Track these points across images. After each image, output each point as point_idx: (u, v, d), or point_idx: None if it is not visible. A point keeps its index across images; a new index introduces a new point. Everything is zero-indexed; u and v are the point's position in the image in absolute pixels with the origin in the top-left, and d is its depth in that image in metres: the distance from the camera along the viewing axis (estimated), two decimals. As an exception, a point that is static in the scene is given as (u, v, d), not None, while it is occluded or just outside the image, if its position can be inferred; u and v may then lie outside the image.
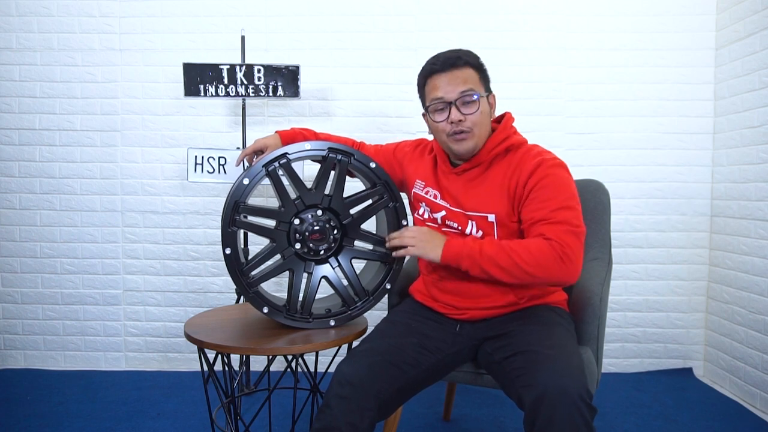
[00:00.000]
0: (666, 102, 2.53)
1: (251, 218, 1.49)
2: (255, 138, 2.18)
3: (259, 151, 1.62)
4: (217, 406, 2.06)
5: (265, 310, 1.49)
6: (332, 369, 2.45)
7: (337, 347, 1.55)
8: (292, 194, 1.51)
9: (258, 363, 2.57)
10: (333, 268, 1.55)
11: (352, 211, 1.54)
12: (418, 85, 1.49)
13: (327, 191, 1.52)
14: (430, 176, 1.53)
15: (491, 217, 1.40)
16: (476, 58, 1.44)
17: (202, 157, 2.25)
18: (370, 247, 1.60)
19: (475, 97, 1.39)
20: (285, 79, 2.27)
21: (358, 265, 1.60)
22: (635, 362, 2.60)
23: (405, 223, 1.56)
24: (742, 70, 2.32)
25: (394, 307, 1.66)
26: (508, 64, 2.54)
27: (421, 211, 1.55)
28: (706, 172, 2.54)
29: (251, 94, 2.28)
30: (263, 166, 1.47)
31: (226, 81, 2.27)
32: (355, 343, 1.48)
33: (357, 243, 1.56)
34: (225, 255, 1.45)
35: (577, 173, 2.46)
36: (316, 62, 2.55)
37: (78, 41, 2.56)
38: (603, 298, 1.49)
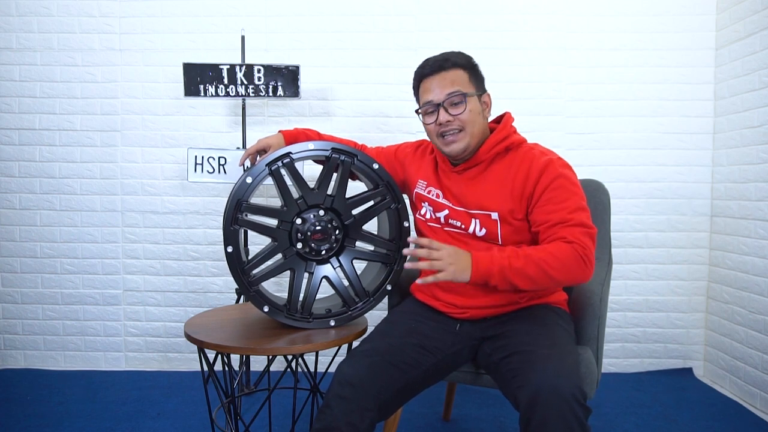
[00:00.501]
0: (666, 102, 2.53)
1: (253, 217, 1.49)
2: (255, 138, 2.19)
3: (262, 151, 1.62)
4: (217, 406, 2.06)
5: (266, 309, 1.49)
6: (332, 369, 2.45)
7: (337, 347, 1.55)
8: (295, 194, 1.51)
9: (258, 363, 2.57)
10: (334, 269, 1.55)
11: (355, 211, 1.54)
12: (413, 88, 1.52)
13: (329, 191, 1.52)
14: (432, 176, 1.53)
15: (494, 215, 1.40)
16: (467, 58, 1.46)
17: (202, 157, 2.25)
18: (371, 247, 1.61)
19: (462, 96, 1.40)
20: (285, 79, 2.27)
21: (359, 265, 1.60)
22: (635, 362, 2.60)
23: (407, 224, 1.56)
24: (742, 70, 2.32)
25: (394, 306, 1.66)
26: (508, 64, 2.54)
27: (423, 211, 1.55)
28: (706, 172, 2.54)
29: (251, 94, 2.28)
30: (266, 165, 1.47)
31: (226, 81, 2.27)
32: (355, 344, 1.48)
33: (358, 244, 1.56)
34: (227, 253, 1.45)
35: (577, 173, 2.46)
36: (316, 62, 2.55)
37: (78, 41, 2.56)
38: (603, 298, 1.49)
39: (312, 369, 2.48)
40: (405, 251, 1.33)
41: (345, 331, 1.52)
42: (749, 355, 2.26)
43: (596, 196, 1.71)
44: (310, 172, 2.05)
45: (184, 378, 2.51)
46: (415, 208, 1.59)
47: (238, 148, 2.32)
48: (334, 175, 1.54)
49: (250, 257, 1.53)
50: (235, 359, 2.38)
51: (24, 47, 2.55)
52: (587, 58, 2.53)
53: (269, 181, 1.50)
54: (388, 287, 1.58)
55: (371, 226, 1.63)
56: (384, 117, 2.57)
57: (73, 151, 2.58)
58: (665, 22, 2.51)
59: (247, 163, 1.75)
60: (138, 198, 2.59)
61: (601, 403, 2.20)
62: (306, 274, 1.53)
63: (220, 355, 1.54)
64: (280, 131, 1.66)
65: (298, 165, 1.62)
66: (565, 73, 2.54)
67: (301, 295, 1.53)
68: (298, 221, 1.49)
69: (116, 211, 2.60)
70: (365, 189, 1.59)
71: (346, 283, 1.57)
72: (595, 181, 1.76)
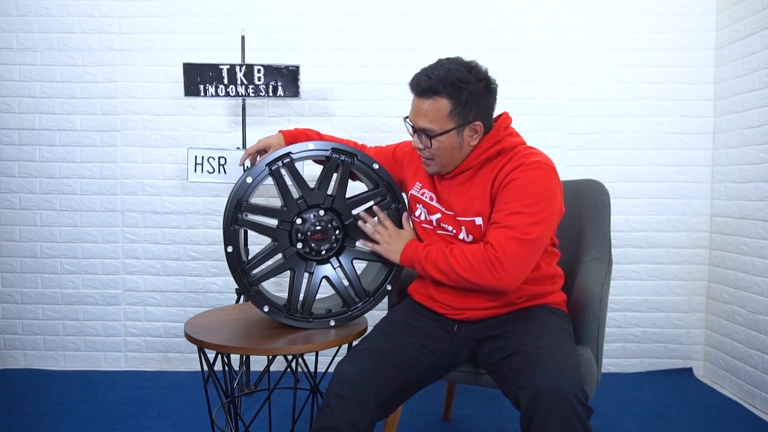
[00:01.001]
0: (666, 102, 2.53)
1: (253, 217, 1.49)
2: (255, 138, 2.18)
3: (262, 151, 1.62)
4: (217, 406, 2.06)
5: (266, 308, 1.49)
6: (332, 369, 2.44)
7: (337, 347, 1.55)
8: (295, 194, 1.51)
9: (258, 363, 2.57)
10: (334, 269, 1.55)
11: (355, 211, 1.54)
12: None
13: (329, 191, 1.52)
14: (427, 178, 1.53)
15: (478, 221, 1.40)
16: (458, 86, 1.32)
17: (202, 157, 2.25)
18: (371, 247, 1.61)
19: (429, 138, 1.37)
20: (285, 79, 2.27)
21: (359, 265, 1.60)
22: (635, 362, 2.60)
23: (405, 213, 1.57)
24: (742, 70, 2.32)
25: (393, 306, 1.66)
26: (508, 64, 2.54)
27: (417, 213, 1.54)
28: (706, 172, 2.54)
29: (251, 94, 2.28)
30: (266, 165, 1.47)
31: (226, 81, 2.27)
32: (355, 343, 1.48)
33: (358, 244, 1.56)
34: (227, 253, 1.45)
35: (577, 173, 2.49)
36: (316, 62, 2.55)
37: (78, 41, 2.56)
38: (603, 298, 1.49)
39: (312, 369, 2.48)
40: (359, 223, 1.53)
41: (345, 331, 1.52)
42: (749, 355, 2.26)
43: (596, 196, 1.70)
44: (310, 172, 2.05)
45: (184, 378, 2.51)
46: (411, 209, 1.59)
47: (238, 148, 2.32)
48: (334, 175, 1.54)
49: (250, 257, 1.53)
50: (235, 359, 2.38)
51: (24, 47, 2.55)
52: (587, 58, 2.53)
53: (269, 181, 1.50)
54: (388, 287, 1.58)
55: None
56: (384, 117, 2.57)
57: (73, 151, 2.58)
58: (665, 22, 2.51)
59: (247, 163, 1.75)
60: (138, 198, 2.59)
61: (601, 403, 2.20)
62: (306, 274, 1.53)
63: (220, 355, 1.54)
64: (280, 131, 1.66)
65: (298, 165, 1.62)
66: (565, 73, 2.54)
67: (301, 295, 1.53)
68: (298, 221, 1.49)
69: (116, 211, 2.60)
70: (365, 189, 1.59)
71: (346, 283, 1.57)
72: (595, 181, 1.76)
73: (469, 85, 1.34)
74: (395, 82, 2.55)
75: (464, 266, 1.33)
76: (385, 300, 1.66)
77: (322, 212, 1.50)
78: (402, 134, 2.52)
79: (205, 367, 2.19)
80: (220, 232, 2.57)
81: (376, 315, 2.16)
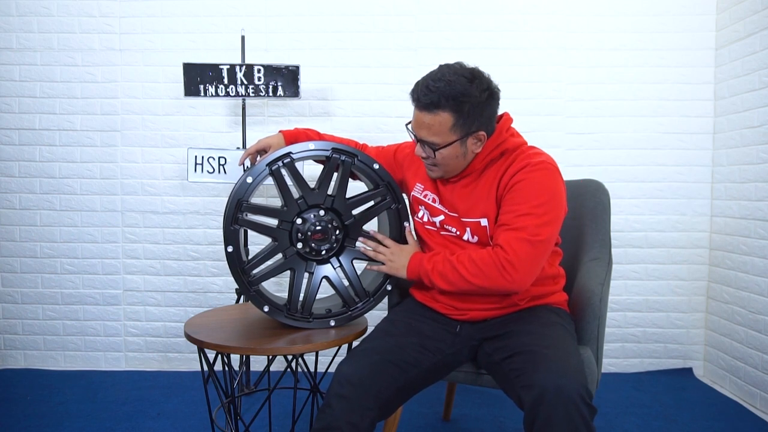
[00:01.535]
0: (666, 102, 2.53)
1: (253, 217, 1.49)
2: (255, 138, 2.19)
3: (262, 151, 1.62)
4: (217, 406, 2.06)
5: (266, 308, 1.49)
6: (332, 369, 2.45)
7: (337, 347, 1.55)
8: (295, 194, 1.51)
9: (258, 363, 2.57)
10: (334, 269, 1.55)
11: (355, 212, 1.54)
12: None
13: (330, 191, 1.52)
14: (429, 180, 1.53)
15: (483, 222, 1.40)
16: (460, 100, 1.30)
17: (202, 157, 2.25)
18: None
19: (432, 150, 1.37)
20: (285, 79, 2.27)
21: (360, 265, 1.60)
22: (635, 362, 2.60)
23: (407, 224, 1.56)
24: (742, 70, 2.32)
25: (394, 306, 1.66)
26: (508, 64, 2.54)
27: (420, 215, 1.54)
28: (706, 172, 2.54)
29: (251, 94, 2.28)
30: (267, 165, 1.47)
31: (226, 81, 2.27)
32: (355, 343, 1.48)
33: (359, 244, 1.56)
34: (227, 253, 1.45)
35: (577, 173, 2.49)
36: (316, 62, 2.55)
37: (78, 41, 2.56)
38: (603, 298, 1.49)
39: (312, 369, 2.48)
40: (357, 245, 1.54)
41: (345, 331, 1.52)
42: (749, 355, 2.26)
43: (596, 196, 1.70)
44: (311, 172, 2.05)
45: (184, 378, 2.51)
46: (413, 211, 1.59)
47: (238, 148, 2.32)
48: (335, 175, 1.54)
49: (250, 257, 1.53)
50: (235, 359, 2.38)
51: (24, 47, 2.55)
52: (587, 58, 2.53)
53: (269, 181, 1.50)
54: (388, 287, 1.58)
55: (371, 226, 1.63)
56: (384, 117, 2.57)
57: (73, 151, 2.58)
58: (665, 22, 2.51)
59: (247, 162, 1.75)
60: (138, 198, 2.59)
61: (601, 403, 2.19)
62: (306, 274, 1.53)
63: (220, 355, 1.54)
64: (280, 131, 1.66)
65: (298, 165, 1.62)
66: (565, 73, 2.54)
67: (301, 295, 1.53)
68: (299, 221, 1.49)
69: (116, 211, 2.60)
70: (365, 189, 1.59)
71: (346, 283, 1.57)
72: (595, 181, 1.76)
73: (472, 98, 1.31)
74: (395, 82, 2.55)
75: (473, 272, 1.32)
76: (386, 300, 1.66)
77: (322, 212, 1.50)
78: (402, 134, 2.51)
79: (205, 367, 2.19)
80: (220, 232, 2.57)
81: (376, 315, 2.16)
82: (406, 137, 1.59)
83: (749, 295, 2.27)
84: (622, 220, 2.54)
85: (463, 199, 1.43)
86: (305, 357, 2.24)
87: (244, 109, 2.36)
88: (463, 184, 1.45)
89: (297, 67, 2.27)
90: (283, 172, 1.50)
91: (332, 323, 1.55)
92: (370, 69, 2.56)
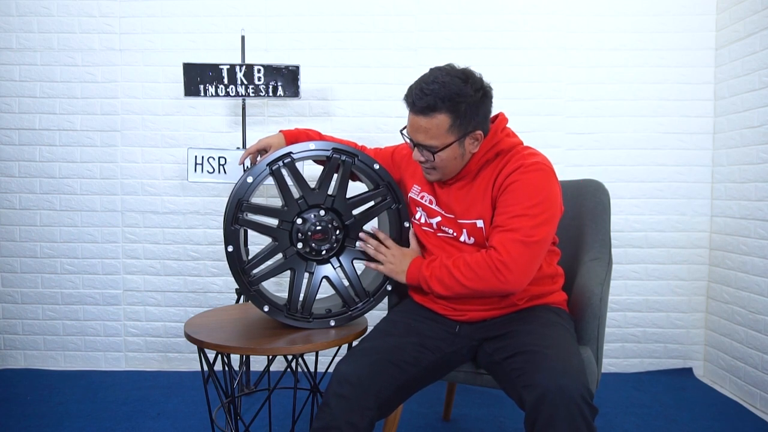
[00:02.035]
0: (666, 102, 2.53)
1: (254, 217, 1.49)
2: (255, 138, 2.18)
3: (262, 150, 1.62)
4: (217, 406, 2.06)
5: (266, 308, 1.49)
6: (332, 369, 2.45)
7: (337, 347, 1.55)
8: (295, 194, 1.51)
9: (258, 363, 2.57)
10: (334, 269, 1.55)
11: (355, 212, 1.54)
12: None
13: (330, 192, 1.52)
14: (426, 182, 1.53)
15: (479, 223, 1.40)
16: (456, 100, 1.30)
17: (202, 157, 2.25)
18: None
19: (431, 153, 1.36)
20: (285, 79, 2.27)
21: (360, 265, 1.60)
22: (635, 362, 2.60)
23: (407, 225, 1.56)
24: (742, 70, 2.32)
25: (393, 306, 1.66)
26: (508, 64, 2.54)
27: (417, 216, 1.54)
28: (706, 172, 2.54)
29: (251, 94, 2.28)
30: (267, 165, 1.47)
31: (226, 81, 2.27)
32: (354, 343, 1.48)
33: (359, 242, 1.56)
34: (227, 252, 1.45)
35: (577, 173, 2.49)
36: (316, 62, 2.55)
37: (78, 41, 2.56)
38: (603, 298, 1.49)
39: (312, 369, 2.48)
40: (358, 243, 1.53)
41: (345, 331, 1.52)
42: (749, 355, 2.26)
43: (596, 196, 1.70)
44: (311, 172, 2.05)
45: (184, 378, 2.51)
46: (410, 213, 1.59)
47: (238, 148, 2.32)
48: (335, 175, 1.54)
49: (250, 257, 1.53)
50: (235, 359, 2.38)
51: (24, 47, 2.55)
52: (587, 58, 2.53)
53: (270, 180, 1.50)
54: (388, 287, 1.58)
55: (371, 226, 1.63)
56: (384, 117, 2.57)
57: (73, 151, 2.58)
58: (665, 22, 2.51)
59: (247, 162, 1.75)
60: (138, 198, 2.59)
61: (601, 403, 2.19)
62: (306, 274, 1.53)
63: (220, 355, 1.54)
64: (280, 131, 1.66)
65: (298, 165, 1.62)
66: (565, 73, 2.54)
67: (302, 295, 1.53)
68: (299, 221, 1.49)
69: (116, 211, 2.60)
70: (366, 189, 1.59)
71: (346, 283, 1.57)
72: (595, 181, 1.76)
73: (468, 97, 1.31)
74: (395, 82, 2.55)
75: (469, 276, 1.33)
76: (385, 300, 1.66)
77: (322, 212, 1.50)
78: (402, 134, 2.53)
79: (205, 367, 2.19)
80: (220, 232, 2.57)
81: (376, 315, 2.16)
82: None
83: (749, 295, 2.27)
84: (622, 220, 2.54)
85: (459, 201, 1.43)
86: (305, 357, 2.24)
87: (244, 109, 2.36)
88: (459, 185, 1.45)
89: (297, 67, 2.27)
90: (284, 172, 1.50)
91: (332, 323, 1.55)
92: (370, 69, 2.56)
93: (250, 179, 1.45)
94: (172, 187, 2.59)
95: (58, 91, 2.57)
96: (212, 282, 2.62)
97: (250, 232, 2.32)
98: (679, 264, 2.56)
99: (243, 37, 2.32)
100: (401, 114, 2.54)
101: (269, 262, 1.53)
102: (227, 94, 2.28)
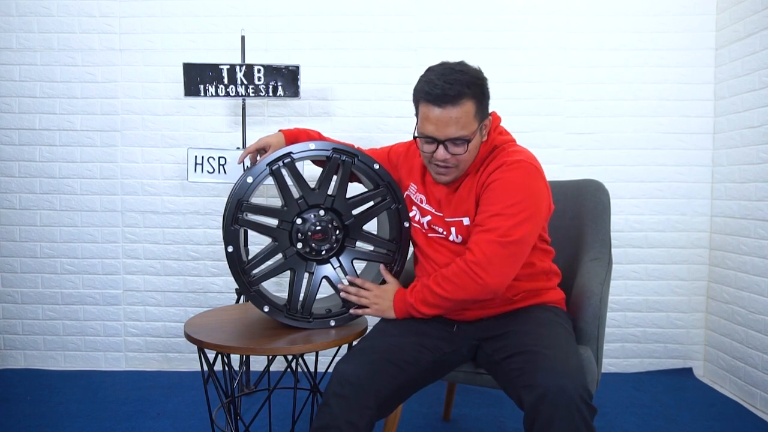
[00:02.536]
0: (666, 102, 2.53)
1: (254, 217, 1.49)
2: (255, 138, 2.18)
3: (261, 150, 1.62)
4: (217, 406, 2.06)
5: (266, 308, 1.49)
6: (332, 369, 2.45)
7: (337, 347, 1.55)
8: (295, 194, 1.51)
9: (258, 363, 2.57)
10: (334, 269, 1.55)
11: (355, 212, 1.54)
12: (413, 99, 1.40)
13: (330, 192, 1.52)
14: (419, 180, 1.53)
15: (466, 221, 1.40)
16: (478, 83, 1.32)
17: (202, 157, 2.25)
18: (371, 248, 1.60)
19: (466, 142, 1.33)
20: (285, 79, 2.27)
21: (360, 265, 1.60)
22: (635, 362, 2.60)
23: (407, 225, 1.56)
24: (742, 70, 2.32)
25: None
26: (508, 64, 2.54)
27: (412, 214, 1.55)
28: (706, 172, 2.54)
29: (251, 94, 2.28)
30: (267, 165, 1.47)
31: (226, 81, 2.27)
32: (354, 343, 1.48)
33: (359, 244, 1.56)
34: (227, 253, 1.45)
35: (577, 173, 2.49)
36: (316, 62, 2.55)
37: (78, 41, 2.56)
38: (603, 298, 1.49)
39: (312, 369, 2.48)
40: (339, 286, 1.52)
41: (345, 331, 1.52)
42: (749, 355, 2.26)
43: (596, 196, 1.71)
44: (311, 172, 2.05)
45: (184, 378, 2.51)
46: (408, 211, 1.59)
47: (238, 148, 2.32)
48: (335, 175, 1.54)
49: (250, 257, 1.53)
50: (235, 359, 2.38)
51: (24, 47, 2.55)
52: (587, 58, 2.53)
53: (269, 180, 1.50)
54: (388, 287, 1.58)
55: (371, 226, 1.63)
56: (384, 117, 2.57)
57: (73, 151, 2.58)
58: (665, 22, 2.51)
59: (247, 162, 1.75)
60: (138, 198, 2.59)
61: (601, 403, 2.19)
62: (306, 274, 1.53)
63: (220, 355, 1.54)
64: (280, 130, 1.66)
65: (298, 165, 1.62)
66: (565, 73, 2.54)
67: (301, 295, 1.53)
68: (299, 221, 1.49)
69: (116, 211, 2.60)
70: (365, 189, 1.59)
71: (346, 283, 1.57)
72: (595, 181, 1.76)
73: (484, 80, 1.35)
74: (395, 82, 2.55)
75: (449, 288, 1.33)
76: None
77: (322, 212, 1.50)
78: (402, 134, 2.53)
79: (205, 367, 2.19)
80: (220, 232, 2.57)
81: (376, 315, 2.16)
82: (406, 137, 1.59)
83: (749, 295, 2.27)
84: (622, 220, 2.54)
85: (448, 199, 1.44)
86: (305, 357, 2.24)
87: (244, 109, 2.36)
88: (452, 184, 1.44)
89: (297, 67, 2.27)
90: (284, 171, 1.50)
91: (332, 323, 1.55)
92: (370, 69, 2.56)
93: (249, 179, 1.45)
94: (172, 187, 2.59)
95: (58, 91, 2.57)
96: (212, 282, 2.62)
97: (250, 232, 2.32)
98: (679, 264, 2.56)
99: (243, 37, 2.32)
100: (401, 114, 2.55)
101: (269, 262, 1.53)
102: (227, 94, 2.28)
